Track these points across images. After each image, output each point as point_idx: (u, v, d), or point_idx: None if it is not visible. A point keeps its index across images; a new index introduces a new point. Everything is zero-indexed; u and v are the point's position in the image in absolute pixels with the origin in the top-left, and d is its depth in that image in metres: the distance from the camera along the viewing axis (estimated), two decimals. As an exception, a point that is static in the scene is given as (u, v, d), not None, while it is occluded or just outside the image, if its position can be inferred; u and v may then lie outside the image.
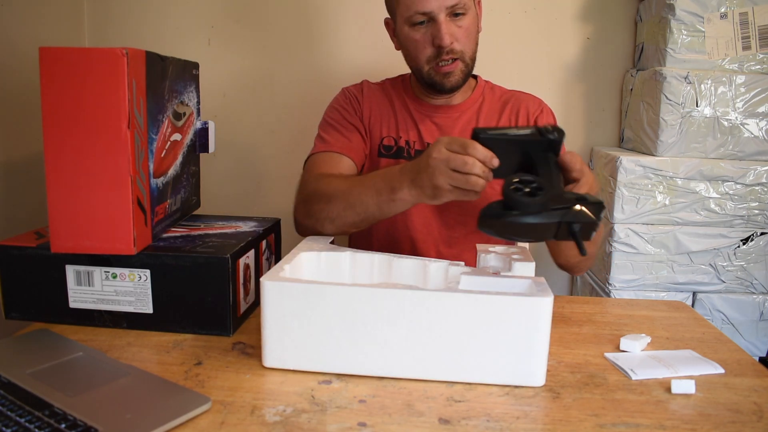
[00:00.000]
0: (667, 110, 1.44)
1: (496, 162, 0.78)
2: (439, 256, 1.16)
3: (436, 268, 0.84)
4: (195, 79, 1.03)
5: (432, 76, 1.11)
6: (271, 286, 0.71)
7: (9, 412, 0.60)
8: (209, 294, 0.83)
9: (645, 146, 1.52)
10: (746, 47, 1.45)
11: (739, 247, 1.47)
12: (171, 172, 0.93)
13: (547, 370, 0.72)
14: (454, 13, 1.07)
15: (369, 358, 0.71)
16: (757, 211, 1.46)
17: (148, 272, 0.84)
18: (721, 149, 1.46)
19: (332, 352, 0.71)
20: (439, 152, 0.81)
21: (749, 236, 1.47)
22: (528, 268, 0.81)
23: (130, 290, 0.84)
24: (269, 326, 0.72)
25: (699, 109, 1.44)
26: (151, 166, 0.85)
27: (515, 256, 0.83)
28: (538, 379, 0.71)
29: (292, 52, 1.71)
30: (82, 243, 0.79)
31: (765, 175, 1.44)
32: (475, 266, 0.86)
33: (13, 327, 0.86)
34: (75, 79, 0.75)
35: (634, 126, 1.60)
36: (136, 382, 0.69)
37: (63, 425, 0.58)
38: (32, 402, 0.62)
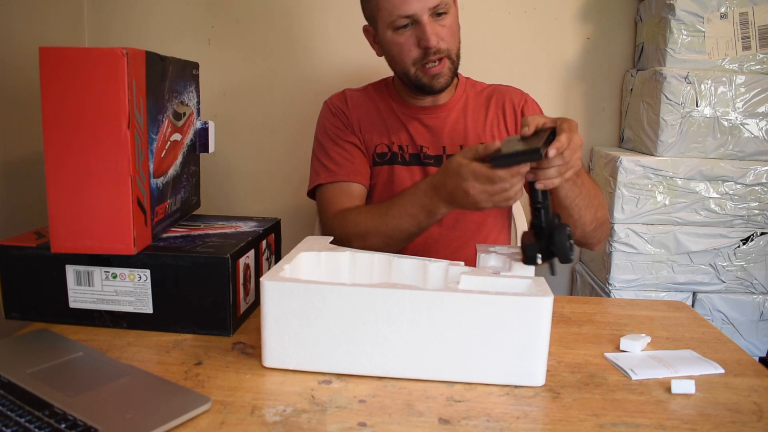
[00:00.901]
0: (667, 110, 1.44)
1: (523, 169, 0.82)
2: (436, 255, 1.16)
3: (436, 268, 0.84)
4: (195, 79, 1.03)
5: (420, 78, 1.11)
6: (271, 286, 0.71)
7: (9, 412, 0.60)
8: (209, 294, 0.83)
9: (645, 146, 1.52)
10: (746, 47, 1.45)
11: (739, 247, 1.47)
12: (171, 172, 0.93)
13: (547, 370, 0.72)
14: (437, 13, 1.06)
15: (369, 358, 0.71)
16: (757, 211, 1.45)
17: (148, 272, 0.84)
18: (721, 149, 1.46)
19: (332, 352, 0.71)
20: (473, 188, 0.85)
21: (749, 236, 1.47)
22: (527, 268, 0.81)
23: (130, 290, 0.84)
24: (269, 326, 0.72)
25: (699, 109, 1.44)
26: (151, 166, 0.85)
27: (515, 256, 0.83)
28: (538, 379, 0.71)
29: (293, 52, 1.71)
30: (82, 243, 0.79)
31: (765, 175, 1.44)
32: (474, 266, 0.86)
33: (13, 327, 0.86)
34: (75, 79, 0.75)
35: (634, 126, 1.60)
36: (136, 382, 0.69)
37: (63, 425, 0.58)
38: (32, 402, 0.62)
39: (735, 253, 1.47)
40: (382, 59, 1.18)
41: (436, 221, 0.98)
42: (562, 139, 0.81)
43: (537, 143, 0.79)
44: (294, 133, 1.71)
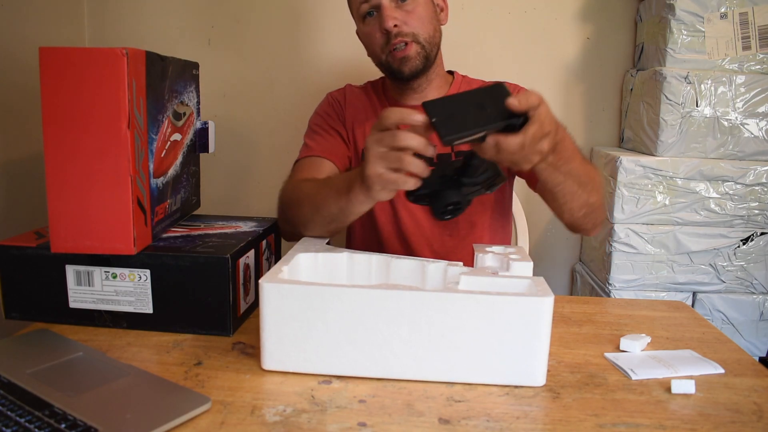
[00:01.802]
0: (667, 110, 1.44)
1: (417, 117, 0.71)
2: (433, 254, 1.16)
3: (435, 268, 0.84)
4: (195, 79, 1.03)
5: (390, 63, 1.11)
6: (270, 288, 0.71)
7: (9, 412, 0.60)
8: (209, 294, 0.83)
9: (645, 146, 1.52)
10: (746, 47, 1.45)
11: (739, 247, 1.47)
12: (171, 172, 0.93)
13: (547, 370, 0.71)
14: None
15: (369, 360, 0.71)
16: (757, 211, 1.46)
17: (148, 272, 0.84)
18: (721, 149, 1.46)
19: (332, 354, 0.71)
20: (371, 135, 0.75)
21: (749, 236, 1.47)
22: (526, 268, 0.81)
23: (130, 290, 0.84)
24: (268, 328, 0.72)
25: (699, 109, 1.44)
26: (151, 166, 0.85)
27: (513, 256, 0.83)
28: (538, 379, 0.71)
29: (293, 52, 1.72)
30: (82, 243, 0.79)
31: (765, 175, 1.44)
32: (471, 264, 0.86)
33: (13, 327, 0.86)
34: (75, 79, 0.75)
35: (634, 126, 1.60)
36: (136, 382, 0.69)
37: (63, 425, 0.58)
38: (32, 402, 0.62)
39: (735, 253, 1.47)
40: None
41: (354, 207, 0.86)
42: (512, 142, 0.72)
43: (493, 125, 0.71)
44: (294, 133, 1.70)
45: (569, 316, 0.96)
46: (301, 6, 1.69)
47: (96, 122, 0.76)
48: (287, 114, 1.73)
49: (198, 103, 1.04)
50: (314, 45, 1.71)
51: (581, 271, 1.72)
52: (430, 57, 1.12)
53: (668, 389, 0.71)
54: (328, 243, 0.94)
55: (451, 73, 1.24)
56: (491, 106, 0.72)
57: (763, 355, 1.48)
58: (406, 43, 1.08)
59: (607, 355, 0.81)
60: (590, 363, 0.78)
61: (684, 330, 0.91)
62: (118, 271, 0.84)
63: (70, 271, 0.85)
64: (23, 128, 1.37)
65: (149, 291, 0.84)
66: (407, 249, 1.18)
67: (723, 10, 1.43)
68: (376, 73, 1.21)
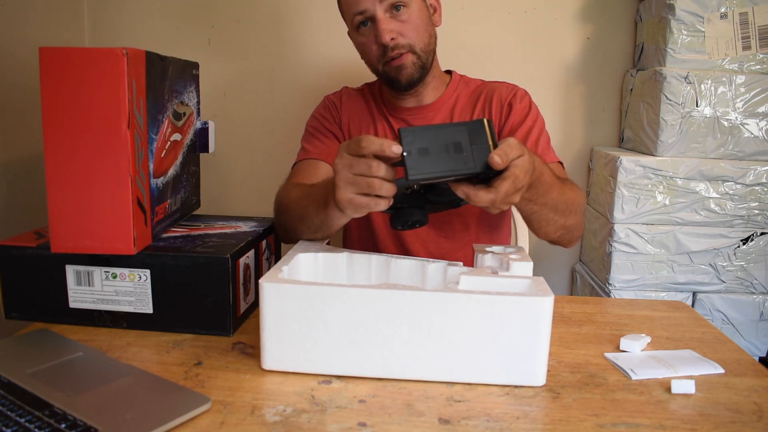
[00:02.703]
0: (667, 110, 1.44)
1: (395, 149, 0.70)
2: (429, 256, 1.16)
3: (435, 268, 0.84)
4: (195, 79, 1.03)
5: (387, 73, 1.10)
6: (270, 288, 0.71)
7: (9, 412, 0.60)
8: (209, 294, 0.83)
9: (645, 146, 1.52)
10: (746, 47, 1.45)
11: (739, 247, 1.47)
12: (171, 172, 0.93)
13: (547, 370, 0.72)
14: (395, 7, 1.05)
15: (369, 360, 0.71)
16: (757, 211, 1.46)
17: (148, 272, 0.84)
18: (721, 149, 1.46)
19: (332, 354, 0.71)
20: (340, 157, 0.74)
21: (749, 236, 1.47)
22: (525, 268, 0.81)
23: (130, 290, 0.84)
24: (268, 328, 0.72)
25: (699, 109, 1.44)
26: (151, 166, 0.85)
27: (513, 256, 0.83)
28: (539, 379, 0.71)
29: (292, 52, 1.72)
30: (82, 243, 0.79)
31: (765, 175, 1.44)
32: (471, 265, 0.86)
33: (13, 327, 0.86)
34: (75, 79, 0.75)
35: (634, 126, 1.60)
36: (136, 382, 0.69)
37: (63, 425, 0.58)
38: (32, 402, 0.62)
39: (735, 253, 1.47)
40: None
41: (332, 221, 0.86)
42: (483, 198, 0.72)
43: (465, 173, 0.70)
44: (294, 133, 1.70)
45: (569, 316, 0.96)
46: (301, 6, 1.69)
47: (96, 122, 0.76)
48: (287, 114, 1.73)
49: (198, 103, 1.04)
50: (314, 45, 1.71)
51: (581, 271, 1.72)
52: (426, 65, 1.12)
53: (668, 389, 0.71)
54: (327, 243, 0.94)
55: (449, 72, 1.23)
56: (469, 151, 0.70)
57: (763, 355, 1.48)
58: (402, 54, 1.07)
59: (607, 355, 0.81)
60: (590, 363, 0.78)
61: (684, 330, 0.91)
62: (118, 271, 0.84)
63: (70, 271, 0.85)
64: (23, 128, 1.37)
65: (149, 291, 0.84)
66: (403, 250, 1.18)
67: (723, 10, 1.43)
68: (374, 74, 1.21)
